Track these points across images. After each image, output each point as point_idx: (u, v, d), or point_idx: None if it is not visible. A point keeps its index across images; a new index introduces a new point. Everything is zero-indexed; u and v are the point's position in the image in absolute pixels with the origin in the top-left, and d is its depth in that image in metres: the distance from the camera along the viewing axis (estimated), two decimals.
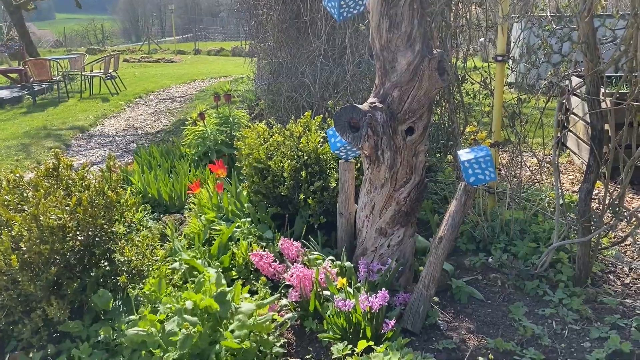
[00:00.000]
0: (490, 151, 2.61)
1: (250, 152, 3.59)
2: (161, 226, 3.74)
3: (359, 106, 2.55)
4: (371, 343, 2.26)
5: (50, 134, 8.51)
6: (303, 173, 3.32)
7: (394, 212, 2.77)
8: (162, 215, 4.06)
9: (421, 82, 2.53)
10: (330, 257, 2.91)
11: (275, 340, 2.45)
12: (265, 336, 2.42)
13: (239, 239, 3.23)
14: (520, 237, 3.42)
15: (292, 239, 3.29)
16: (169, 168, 4.65)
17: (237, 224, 3.38)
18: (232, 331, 2.32)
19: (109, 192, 2.49)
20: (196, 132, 4.88)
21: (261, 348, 2.37)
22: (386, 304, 2.36)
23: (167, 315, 2.47)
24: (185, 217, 3.85)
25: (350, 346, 2.26)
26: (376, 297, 2.35)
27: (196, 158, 4.88)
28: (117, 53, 15.41)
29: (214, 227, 3.37)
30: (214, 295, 2.41)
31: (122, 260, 2.51)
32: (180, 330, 2.30)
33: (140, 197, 4.20)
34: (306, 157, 3.44)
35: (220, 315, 2.38)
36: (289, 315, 2.59)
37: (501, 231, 3.45)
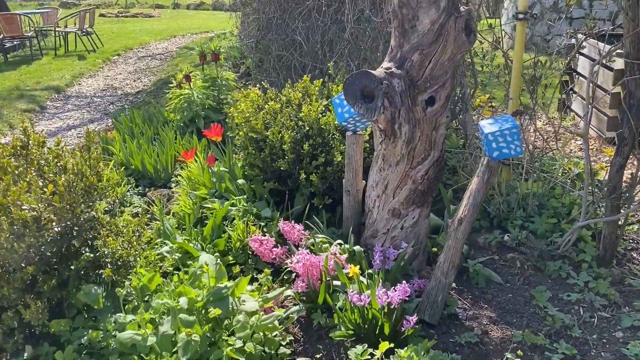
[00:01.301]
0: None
1: (246, 121, 3.26)
2: (145, 203, 3.43)
3: (373, 72, 2.22)
4: (392, 345, 2.01)
5: (24, 94, 7.99)
6: (305, 146, 3.00)
7: (410, 191, 2.49)
8: (147, 190, 3.73)
9: (446, 45, 2.21)
10: (338, 241, 2.63)
11: (281, 338, 2.19)
12: (270, 335, 2.16)
13: (234, 219, 2.94)
14: (537, 212, 3.18)
15: (291, 218, 3.00)
16: (152, 136, 4.29)
17: (232, 202, 3.08)
18: (233, 333, 2.06)
19: (89, 174, 2.16)
20: (182, 96, 4.50)
21: (266, 349, 2.11)
22: (407, 297, 2.10)
23: (162, 313, 2.19)
24: (173, 192, 3.54)
25: (369, 350, 2.01)
26: (395, 291, 2.09)
27: (182, 124, 4.52)
28: (93, 7, 14.56)
29: (206, 206, 3.06)
30: (212, 292, 2.13)
31: (106, 251, 2.20)
32: (176, 333, 2.03)
33: (122, 170, 3.87)
34: (308, 128, 3.12)
35: (221, 317, 2.11)
36: (295, 308, 2.33)
37: (517, 206, 3.20)
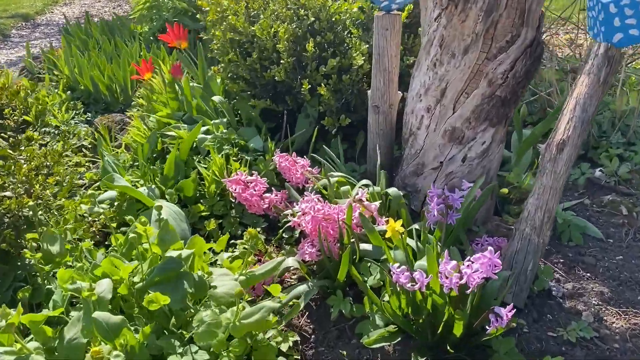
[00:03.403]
0: None
1: (223, 15, 2.28)
2: (92, 134, 2.50)
3: None
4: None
5: None
6: (309, 45, 2.05)
7: (482, 99, 1.55)
8: (99, 116, 2.79)
9: None
10: (364, 181, 1.72)
11: (280, 340, 1.32)
12: (261, 337, 1.29)
13: (209, 153, 2.02)
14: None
15: (292, 150, 2.09)
16: (113, 51, 3.30)
17: (207, 128, 2.15)
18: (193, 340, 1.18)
19: None
20: (147, 4, 3.47)
21: None
22: (495, 276, 1.20)
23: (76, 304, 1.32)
24: (129, 119, 2.60)
25: None
26: (472, 264, 1.19)
27: (150, 37, 3.52)
28: None
29: (168, 133, 2.14)
30: (158, 267, 1.24)
31: None
32: (90, 342, 1.15)
33: (67, 93, 2.92)
34: (313, 19, 2.14)
35: (172, 308, 1.22)
36: (302, 288, 1.45)
37: (613, 129, 2.27)
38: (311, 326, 1.47)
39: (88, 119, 2.75)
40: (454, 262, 1.19)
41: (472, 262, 1.20)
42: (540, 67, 2.59)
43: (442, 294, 1.28)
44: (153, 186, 1.88)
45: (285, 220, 1.74)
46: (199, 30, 3.26)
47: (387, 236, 1.41)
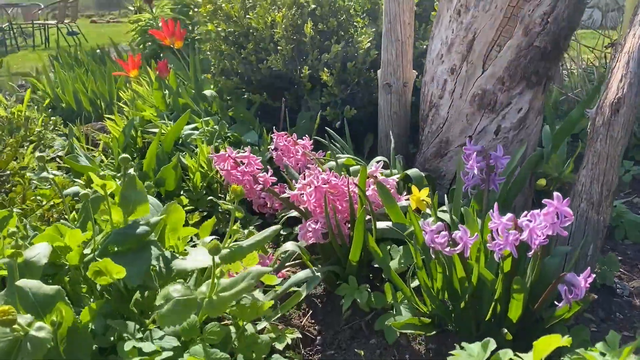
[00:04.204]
0: None
1: (216, 7, 2.08)
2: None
3: None
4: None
5: None
6: (307, 27, 1.83)
7: (518, 51, 1.30)
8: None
9: None
10: (378, 158, 1.44)
11: (278, 336, 0.99)
12: (251, 327, 0.96)
13: (197, 147, 1.75)
14: None
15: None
16: (98, 71, 3.09)
17: (196, 125, 1.89)
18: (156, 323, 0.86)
19: None
20: (140, 24, 3.32)
21: None
22: (564, 232, 0.89)
23: None
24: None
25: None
26: (538, 221, 0.88)
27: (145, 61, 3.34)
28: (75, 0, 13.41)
29: (150, 130, 1.87)
30: (116, 232, 0.94)
31: None
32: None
33: (48, 111, 2.70)
34: (314, 6, 1.94)
35: (126, 284, 0.91)
36: (303, 273, 1.13)
37: None
38: (316, 327, 1.14)
39: (67, 133, 2.50)
40: (509, 215, 0.89)
41: (530, 215, 0.90)
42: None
43: (491, 266, 0.96)
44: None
45: (283, 214, 1.44)
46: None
47: (411, 208, 1.11)
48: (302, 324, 1.14)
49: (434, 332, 1.00)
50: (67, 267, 0.96)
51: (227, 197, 1.57)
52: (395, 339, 1.04)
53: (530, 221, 0.87)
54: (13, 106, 2.47)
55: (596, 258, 1.22)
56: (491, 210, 0.88)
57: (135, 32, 3.32)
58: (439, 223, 0.92)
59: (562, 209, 0.87)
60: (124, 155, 1.06)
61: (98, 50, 3.57)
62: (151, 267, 0.97)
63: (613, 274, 1.29)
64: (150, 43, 3.22)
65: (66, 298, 0.83)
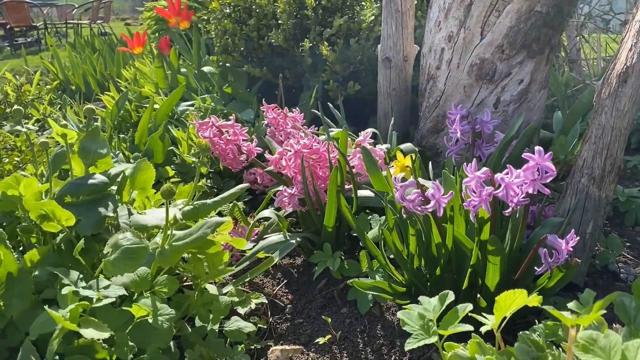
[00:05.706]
0: None
1: None
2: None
3: None
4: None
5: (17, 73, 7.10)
6: (310, 0, 1.77)
7: (518, 16, 1.22)
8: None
9: None
10: (369, 130, 1.38)
11: (235, 298, 0.94)
12: (212, 287, 0.91)
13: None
14: None
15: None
16: (109, 55, 3.10)
17: (193, 102, 1.85)
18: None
19: None
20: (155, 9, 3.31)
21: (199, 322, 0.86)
22: (546, 189, 0.81)
23: None
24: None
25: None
26: (517, 175, 0.80)
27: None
28: (108, 1, 13.66)
29: (145, 105, 1.84)
30: (71, 183, 0.90)
31: None
32: None
33: (58, 93, 2.71)
34: None
35: (79, 234, 0.86)
36: (277, 237, 1.07)
37: None
38: (289, 296, 1.07)
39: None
40: (485, 169, 0.81)
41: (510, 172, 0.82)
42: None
43: (471, 234, 0.89)
44: (118, 152, 1.56)
45: (272, 189, 1.39)
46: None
47: (394, 174, 1.04)
48: (275, 292, 1.08)
49: (408, 302, 0.93)
50: (21, 218, 0.92)
51: (212, 181, 1.53)
52: (369, 309, 0.97)
53: (508, 175, 0.79)
54: (21, 86, 2.48)
55: (596, 237, 1.13)
56: (465, 164, 0.80)
57: (151, 19, 3.32)
58: (412, 179, 0.85)
59: (543, 164, 0.79)
60: (88, 106, 1.02)
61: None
62: (108, 221, 0.92)
63: (616, 257, 1.19)
64: (163, 31, 3.22)
65: (7, 242, 0.79)
